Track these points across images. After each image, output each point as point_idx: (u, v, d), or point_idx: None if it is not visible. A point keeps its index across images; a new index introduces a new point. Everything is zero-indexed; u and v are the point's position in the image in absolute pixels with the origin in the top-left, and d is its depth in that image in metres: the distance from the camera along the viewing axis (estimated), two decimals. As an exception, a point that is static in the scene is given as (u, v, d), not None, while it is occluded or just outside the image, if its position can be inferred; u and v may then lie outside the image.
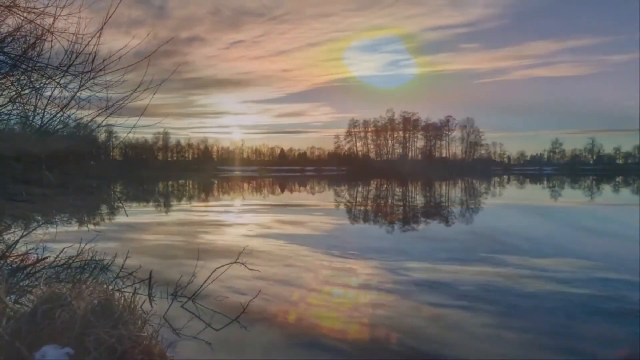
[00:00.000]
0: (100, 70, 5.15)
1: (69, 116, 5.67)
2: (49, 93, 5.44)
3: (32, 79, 5.49)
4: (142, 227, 12.89)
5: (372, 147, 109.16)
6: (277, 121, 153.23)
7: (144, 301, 5.38)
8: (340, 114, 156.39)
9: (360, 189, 37.86)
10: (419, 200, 25.62)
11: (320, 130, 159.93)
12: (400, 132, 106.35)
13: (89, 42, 4.97)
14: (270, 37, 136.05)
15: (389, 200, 25.08)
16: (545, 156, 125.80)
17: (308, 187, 39.82)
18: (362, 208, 20.55)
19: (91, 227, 12.40)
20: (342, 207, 21.25)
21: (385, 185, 42.23)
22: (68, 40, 5.16)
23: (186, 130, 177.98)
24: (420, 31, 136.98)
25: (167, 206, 21.24)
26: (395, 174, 76.13)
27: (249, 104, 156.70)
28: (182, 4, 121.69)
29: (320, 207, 20.43)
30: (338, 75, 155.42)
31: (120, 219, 15.18)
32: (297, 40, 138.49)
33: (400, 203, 23.20)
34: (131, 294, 4.53)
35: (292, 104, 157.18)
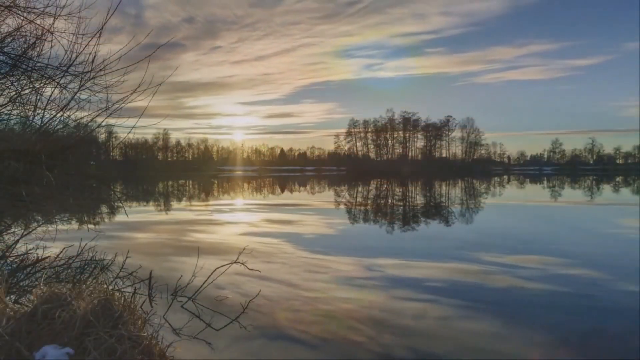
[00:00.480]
0: (100, 70, 5.15)
1: (69, 116, 5.67)
2: (49, 93, 5.45)
3: (32, 79, 5.49)
4: (142, 227, 12.89)
5: (372, 147, 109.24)
6: (268, 122, 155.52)
7: (144, 301, 5.38)
8: (332, 115, 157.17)
9: (359, 189, 37.87)
10: (416, 200, 25.63)
11: (311, 130, 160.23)
12: (400, 132, 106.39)
13: (89, 42, 4.97)
14: (245, 43, 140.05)
15: (387, 201, 25.09)
16: (545, 156, 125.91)
17: (308, 187, 39.82)
18: (360, 208, 20.55)
19: (91, 227, 12.40)
20: (340, 207, 21.25)
21: (385, 186, 42.24)
22: (68, 40, 5.17)
23: (181, 131, 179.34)
24: (386, 37, 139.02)
25: (167, 206, 21.24)
26: (395, 174, 76.11)
27: (238, 106, 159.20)
28: (158, 13, 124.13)
29: (318, 207, 20.45)
30: (319, 78, 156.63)
31: (120, 218, 15.18)
32: (272, 46, 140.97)
33: (397, 203, 23.21)
34: (131, 294, 4.54)
35: (281, 106, 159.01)
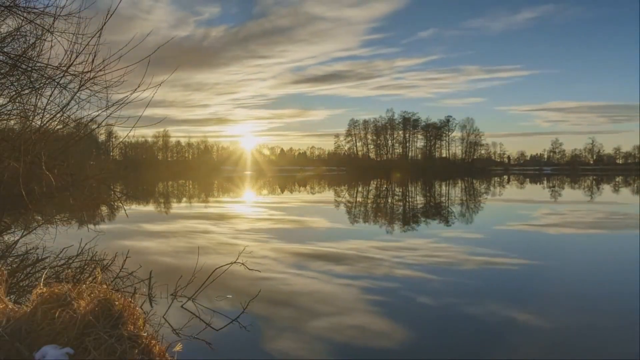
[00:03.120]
0: (100, 70, 5.15)
1: (69, 116, 5.67)
2: (49, 93, 5.44)
3: (32, 79, 5.48)
4: (142, 227, 12.88)
5: (372, 147, 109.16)
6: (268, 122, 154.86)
7: (144, 301, 5.38)
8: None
9: (359, 189, 37.86)
10: (412, 201, 25.62)
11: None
12: (400, 132, 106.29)
13: (89, 42, 4.96)
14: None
15: (386, 201, 25.08)
16: (545, 156, 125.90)
17: (308, 187, 39.82)
18: (360, 209, 20.54)
19: (91, 227, 12.39)
20: (340, 207, 21.25)
21: (385, 186, 42.22)
22: (68, 40, 5.16)
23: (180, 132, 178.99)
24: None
25: (167, 206, 21.24)
26: (395, 174, 76.12)
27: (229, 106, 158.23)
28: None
29: (318, 207, 20.44)
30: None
31: (120, 218, 15.17)
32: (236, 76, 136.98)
33: (397, 203, 23.22)
34: (131, 294, 4.54)
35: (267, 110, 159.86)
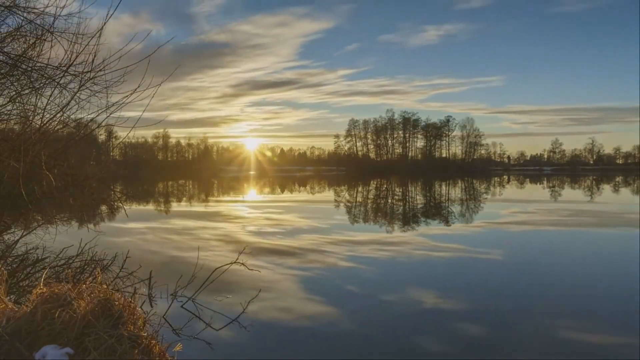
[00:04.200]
0: (100, 70, 5.14)
1: (69, 116, 5.67)
2: (49, 93, 5.44)
3: (32, 79, 5.48)
4: (142, 227, 12.88)
5: (372, 147, 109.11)
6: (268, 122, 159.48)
7: (144, 301, 5.38)
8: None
9: (358, 189, 37.85)
10: (412, 201, 25.62)
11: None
12: (400, 132, 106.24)
13: (89, 42, 4.96)
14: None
15: (384, 202, 25.08)
16: (545, 156, 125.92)
17: (308, 187, 39.81)
18: (359, 209, 20.54)
19: (91, 227, 12.39)
20: (340, 207, 21.26)
21: (384, 186, 42.21)
22: (68, 40, 5.16)
23: (183, 129, 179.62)
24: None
25: (167, 206, 21.24)
26: (395, 174, 76.11)
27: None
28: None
29: (318, 207, 20.44)
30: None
31: (120, 218, 15.17)
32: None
33: (397, 203, 23.22)
34: (131, 294, 4.53)
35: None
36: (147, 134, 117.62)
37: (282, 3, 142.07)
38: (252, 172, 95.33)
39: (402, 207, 20.71)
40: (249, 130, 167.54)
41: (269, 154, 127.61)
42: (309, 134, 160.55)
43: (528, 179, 58.12)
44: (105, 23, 4.74)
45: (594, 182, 47.90)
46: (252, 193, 32.77)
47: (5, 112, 6.07)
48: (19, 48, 5.69)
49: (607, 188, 36.11)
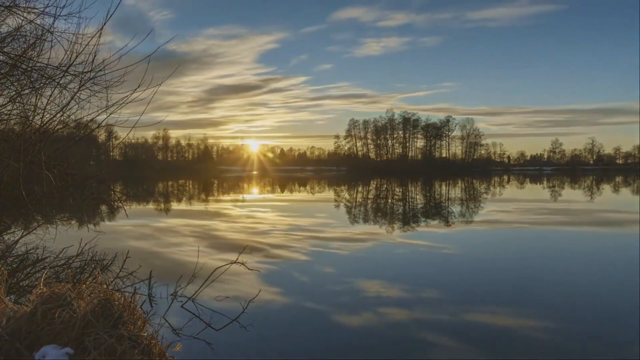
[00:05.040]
0: (100, 70, 5.15)
1: (69, 116, 5.67)
2: (49, 93, 5.44)
3: (32, 79, 5.48)
4: (142, 227, 12.88)
5: (372, 147, 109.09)
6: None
7: (144, 301, 5.38)
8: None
9: (358, 189, 37.87)
10: (412, 201, 25.63)
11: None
12: (400, 132, 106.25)
13: (89, 42, 4.97)
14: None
15: (384, 202, 25.09)
16: (545, 156, 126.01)
17: (308, 187, 39.83)
18: (358, 208, 20.56)
19: (91, 227, 12.40)
20: (340, 207, 21.27)
21: (384, 186, 42.23)
22: (68, 40, 5.16)
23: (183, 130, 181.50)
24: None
25: (167, 205, 21.25)
26: (395, 174, 76.14)
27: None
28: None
29: (318, 208, 20.44)
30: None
31: (120, 218, 15.18)
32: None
33: (397, 203, 23.24)
34: (131, 294, 4.53)
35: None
36: (147, 134, 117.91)
37: (227, 20, 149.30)
38: (251, 173, 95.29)
39: (402, 208, 20.73)
40: (237, 131, 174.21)
41: (269, 154, 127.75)
42: (297, 135, 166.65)
43: (528, 179, 58.14)
44: (105, 23, 4.74)
45: (593, 182, 47.91)
46: (252, 193, 32.79)
47: (5, 112, 6.07)
48: (19, 48, 5.70)
49: (607, 188, 36.12)
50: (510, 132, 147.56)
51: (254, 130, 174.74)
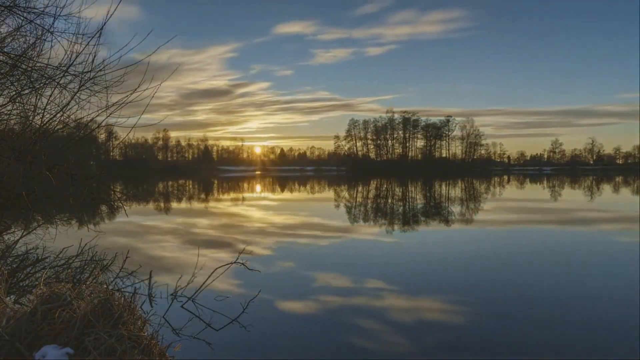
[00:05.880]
0: (100, 70, 5.15)
1: (69, 116, 5.66)
2: (49, 93, 5.44)
3: (32, 79, 5.48)
4: (142, 227, 12.88)
5: (372, 147, 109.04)
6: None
7: (144, 301, 5.37)
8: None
9: (358, 189, 37.87)
10: (412, 201, 25.63)
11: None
12: (400, 132, 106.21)
13: (89, 42, 4.97)
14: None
15: (384, 202, 25.09)
16: (545, 156, 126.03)
17: (308, 187, 39.82)
18: (358, 208, 20.55)
19: (91, 227, 12.40)
20: (340, 207, 21.27)
21: (384, 186, 42.22)
22: (68, 40, 5.16)
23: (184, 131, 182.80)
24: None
25: (167, 205, 21.25)
26: (395, 174, 76.14)
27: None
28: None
29: (317, 208, 20.42)
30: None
31: (120, 218, 15.18)
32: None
33: (397, 204, 23.24)
34: (131, 294, 4.53)
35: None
36: (147, 134, 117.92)
37: (183, 33, 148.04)
38: (251, 173, 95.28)
39: (402, 208, 20.73)
40: (225, 132, 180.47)
41: (270, 155, 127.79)
42: (288, 136, 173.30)
43: (528, 179, 58.14)
44: (105, 23, 4.74)
45: (593, 182, 47.91)
46: (252, 193, 32.78)
47: (5, 112, 6.07)
48: (19, 48, 5.70)
49: (607, 188, 36.12)
50: (511, 133, 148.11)
51: (243, 131, 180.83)
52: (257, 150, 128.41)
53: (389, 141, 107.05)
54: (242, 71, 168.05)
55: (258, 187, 40.96)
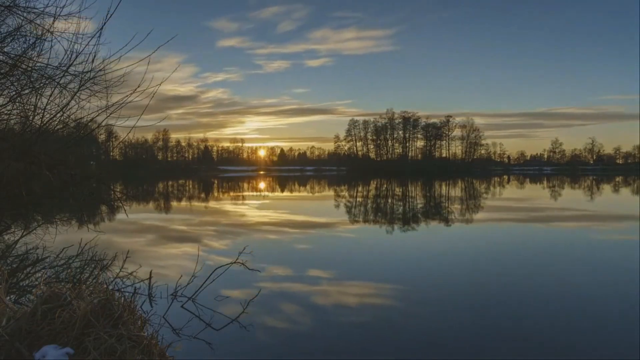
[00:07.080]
0: (100, 70, 5.15)
1: (69, 116, 5.67)
2: (49, 93, 5.44)
3: (32, 79, 5.48)
4: (142, 227, 12.88)
5: (372, 147, 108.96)
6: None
7: (144, 301, 5.37)
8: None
9: (358, 189, 37.87)
10: (413, 201, 25.63)
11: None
12: (400, 132, 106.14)
13: (89, 42, 4.97)
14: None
15: (383, 202, 25.09)
16: (545, 156, 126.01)
17: (308, 187, 39.82)
18: (358, 208, 20.56)
19: (91, 227, 12.40)
20: (340, 207, 21.27)
21: (384, 186, 42.22)
22: (68, 40, 5.17)
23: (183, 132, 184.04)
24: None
25: (167, 205, 21.25)
26: (395, 174, 76.13)
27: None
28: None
29: (317, 207, 20.39)
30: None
31: (120, 218, 15.18)
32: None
33: (397, 203, 23.24)
34: (131, 294, 4.53)
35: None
36: (147, 134, 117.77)
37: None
38: (251, 173, 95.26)
39: (402, 208, 20.74)
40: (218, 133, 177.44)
41: (270, 155, 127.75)
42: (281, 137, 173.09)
43: (528, 179, 58.13)
44: (105, 23, 4.74)
45: (594, 182, 47.91)
46: (251, 193, 32.78)
47: (5, 112, 6.07)
48: (19, 48, 5.70)
49: (607, 188, 36.12)
50: (510, 132, 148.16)
51: (243, 131, 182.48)
52: (261, 153, 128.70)
53: (389, 141, 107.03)
54: (200, 80, 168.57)
55: (258, 187, 40.96)
